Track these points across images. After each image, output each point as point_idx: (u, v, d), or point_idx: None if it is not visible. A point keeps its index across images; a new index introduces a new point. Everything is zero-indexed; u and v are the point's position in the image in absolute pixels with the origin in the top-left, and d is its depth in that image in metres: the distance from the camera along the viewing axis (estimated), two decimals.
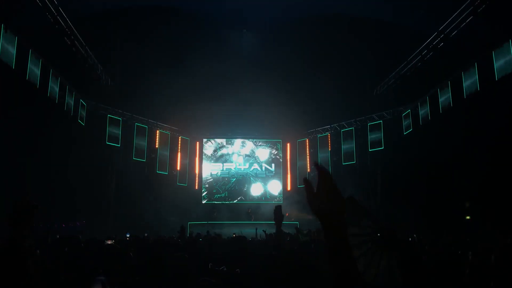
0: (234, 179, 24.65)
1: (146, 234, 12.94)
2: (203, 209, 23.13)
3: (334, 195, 1.29)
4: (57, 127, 15.49)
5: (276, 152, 25.19)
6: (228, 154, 25.10)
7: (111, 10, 18.12)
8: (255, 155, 25.05)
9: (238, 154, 25.06)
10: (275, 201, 23.52)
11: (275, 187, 24.52)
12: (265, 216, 19.40)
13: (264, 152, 25.08)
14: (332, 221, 1.27)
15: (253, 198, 24.36)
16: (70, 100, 16.90)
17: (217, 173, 24.80)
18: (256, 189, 24.55)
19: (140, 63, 17.84)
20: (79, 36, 15.78)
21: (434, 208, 15.00)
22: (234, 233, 13.77)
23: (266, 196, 24.30)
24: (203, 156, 24.93)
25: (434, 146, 15.80)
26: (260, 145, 25.22)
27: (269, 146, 25.23)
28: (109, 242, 8.42)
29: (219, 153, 25.09)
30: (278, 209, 4.59)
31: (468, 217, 15.28)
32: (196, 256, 5.11)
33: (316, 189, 1.32)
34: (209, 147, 25.14)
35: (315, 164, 1.38)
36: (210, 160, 24.96)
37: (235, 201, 24.17)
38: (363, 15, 18.35)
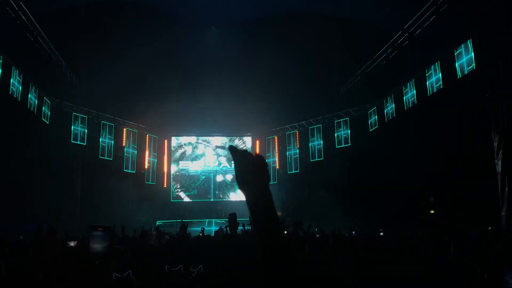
0: (204, 177, 24.55)
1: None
2: (172, 207, 22.93)
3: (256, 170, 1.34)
4: (19, 126, 15.07)
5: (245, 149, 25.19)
6: (197, 151, 24.96)
7: (76, 6, 17.70)
8: (224, 152, 24.99)
9: (207, 151, 24.94)
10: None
11: None
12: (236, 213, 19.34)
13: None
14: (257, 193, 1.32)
15: (222, 195, 24.34)
16: (33, 98, 16.45)
17: (186, 171, 24.63)
18: (225, 186, 24.51)
19: (106, 60, 17.50)
20: (42, 32, 15.34)
21: (398, 202, 15.34)
22: (201, 231, 13.75)
23: (235, 193, 24.29)
24: (172, 154, 24.71)
25: (399, 142, 16.16)
26: (231, 141, 25.17)
27: (239, 141, 25.23)
28: (72, 244, 8.19)
29: (188, 150, 24.92)
30: (232, 216, 4.74)
31: (432, 211, 15.72)
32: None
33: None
34: (177, 144, 24.94)
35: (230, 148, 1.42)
36: (179, 158, 24.76)
37: (204, 199, 24.07)
38: (329, 14, 18.54)
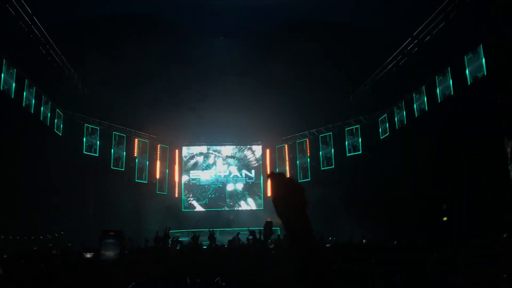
0: (214, 186, 24.60)
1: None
2: (183, 216, 22.98)
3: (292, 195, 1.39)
4: (32, 137, 15.26)
5: (256, 158, 25.23)
6: (207, 161, 25.05)
7: (87, 19, 17.93)
8: (235, 162, 25.05)
9: (217, 160, 25.02)
10: (255, 207, 23.55)
11: (255, 193, 24.51)
12: (247, 222, 19.36)
13: (244, 156, 25.09)
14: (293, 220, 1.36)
15: (233, 205, 24.33)
16: (46, 110, 16.68)
17: (197, 180, 24.71)
18: (236, 195, 24.51)
19: (117, 71, 17.68)
20: (54, 45, 15.59)
21: (411, 210, 15.22)
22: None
23: (246, 203, 24.28)
24: (183, 164, 24.82)
25: (410, 149, 16.07)
26: (241, 150, 25.25)
27: (249, 151, 25.28)
28: (88, 256, 8.19)
29: (199, 160, 25.01)
30: (268, 224, 4.62)
31: (445, 219, 15.57)
32: None
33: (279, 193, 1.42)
34: (188, 154, 25.05)
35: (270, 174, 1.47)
36: (190, 168, 24.86)
37: (215, 208, 24.09)
38: (339, 22, 18.58)
